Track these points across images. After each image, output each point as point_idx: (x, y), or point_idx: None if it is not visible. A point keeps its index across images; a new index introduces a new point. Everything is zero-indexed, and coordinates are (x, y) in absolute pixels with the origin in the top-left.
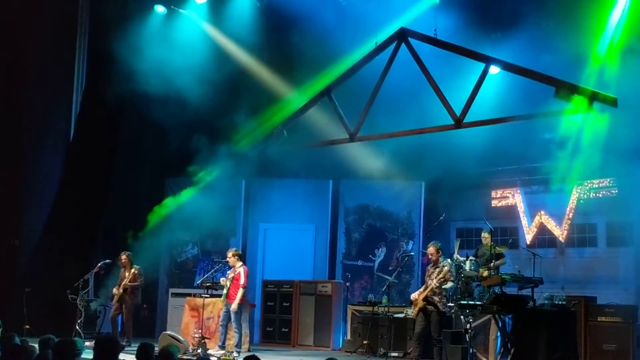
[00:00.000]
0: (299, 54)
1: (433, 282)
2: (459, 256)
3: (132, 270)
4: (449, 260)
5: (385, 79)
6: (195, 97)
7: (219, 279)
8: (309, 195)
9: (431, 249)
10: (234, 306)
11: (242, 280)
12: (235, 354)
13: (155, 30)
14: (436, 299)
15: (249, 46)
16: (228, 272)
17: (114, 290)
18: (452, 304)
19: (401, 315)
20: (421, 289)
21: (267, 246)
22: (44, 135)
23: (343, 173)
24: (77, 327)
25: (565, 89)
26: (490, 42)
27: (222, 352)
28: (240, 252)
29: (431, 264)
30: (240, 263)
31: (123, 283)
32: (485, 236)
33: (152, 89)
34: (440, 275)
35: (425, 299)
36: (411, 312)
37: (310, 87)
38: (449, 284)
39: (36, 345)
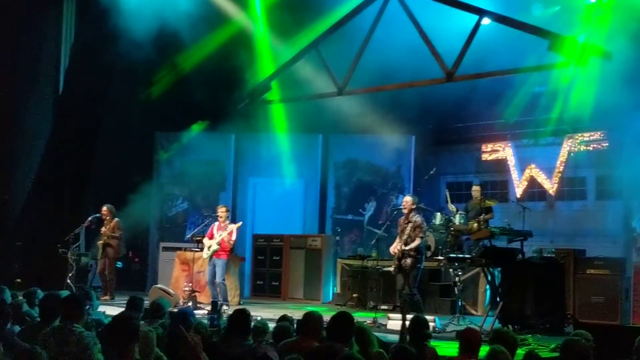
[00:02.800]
0: (287, 6)
1: (398, 248)
2: (453, 207)
3: (112, 223)
4: (419, 215)
5: (374, 32)
6: (185, 49)
7: (205, 234)
8: (299, 150)
9: (407, 198)
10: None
11: (234, 237)
12: (225, 307)
13: None
14: (412, 253)
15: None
16: (215, 228)
17: (98, 244)
18: (442, 257)
19: (390, 269)
20: (397, 241)
21: (257, 200)
22: (32, 89)
23: (333, 127)
24: (69, 281)
25: (558, 41)
26: None
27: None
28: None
29: (403, 217)
30: (229, 221)
31: (107, 234)
32: (476, 189)
33: (142, 41)
34: (405, 237)
35: (401, 255)
36: (392, 269)
37: (298, 40)
38: (416, 242)
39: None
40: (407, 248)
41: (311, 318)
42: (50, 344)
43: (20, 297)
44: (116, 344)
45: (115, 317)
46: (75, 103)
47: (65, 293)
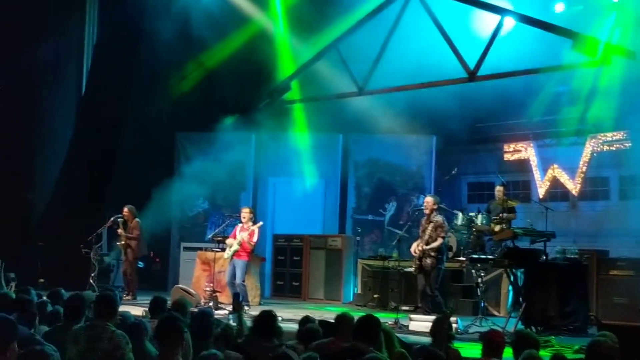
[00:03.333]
0: (307, 6)
1: (419, 248)
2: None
3: (132, 223)
4: (441, 216)
5: (395, 31)
6: (206, 50)
7: (229, 235)
8: (319, 150)
9: (429, 199)
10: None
11: (255, 237)
12: (246, 308)
13: None
14: (432, 254)
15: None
16: (238, 229)
17: (118, 245)
18: (463, 258)
19: (412, 270)
20: (418, 241)
21: (277, 200)
22: (55, 89)
23: (353, 127)
24: (91, 281)
25: (581, 41)
26: None
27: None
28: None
29: (425, 217)
30: (252, 222)
31: (123, 236)
32: (499, 190)
33: (164, 42)
34: (426, 237)
35: (422, 255)
36: (413, 269)
37: (318, 40)
38: (438, 242)
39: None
40: (428, 247)
41: (344, 319)
42: (81, 340)
43: (45, 298)
44: (162, 345)
45: (161, 319)
46: (98, 103)
47: (89, 294)
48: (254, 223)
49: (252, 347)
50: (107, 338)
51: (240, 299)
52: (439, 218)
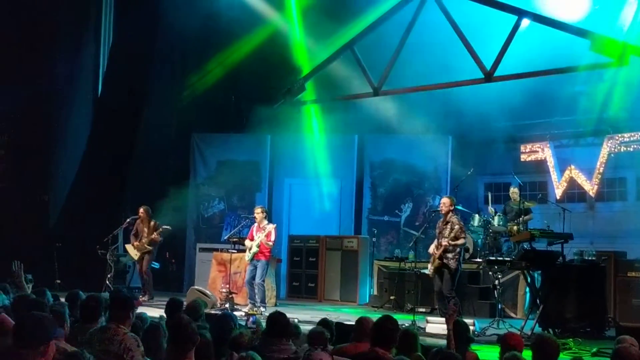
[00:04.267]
0: (323, 7)
1: (445, 242)
2: (492, 209)
3: (151, 225)
4: (458, 216)
5: (411, 32)
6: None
7: (246, 236)
8: (335, 150)
9: (445, 200)
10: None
11: (272, 237)
12: (262, 309)
13: None
14: (449, 255)
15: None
16: (254, 230)
17: (134, 244)
18: (480, 260)
19: (427, 271)
20: (436, 243)
21: (293, 201)
22: (72, 91)
23: (369, 128)
24: (107, 282)
25: (599, 41)
26: None
27: (250, 306)
28: (267, 210)
29: (441, 219)
30: (267, 221)
31: (145, 237)
32: (514, 191)
33: (178, 43)
34: (452, 235)
35: (439, 257)
36: (428, 270)
37: (334, 40)
38: (460, 241)
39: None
40: (454, 243)
41: (365, 323)
42: (94, 342)
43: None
44: (175, 349)
45: (173, 322)
46: (113, 105)
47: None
48: (269, 221)
49: (268, 350)
50: (118, 340)
51: (259, 299)
52: (456, 219)
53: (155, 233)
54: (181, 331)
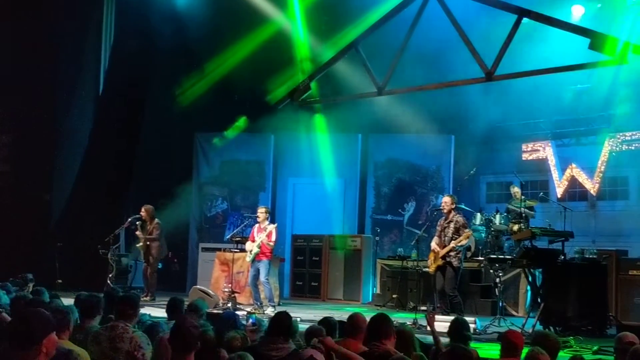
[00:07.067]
0: (326, 6)
1: (452, 244)
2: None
3: (152, 224)
4: (460, 215)
5: (414, 31)
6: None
7: (248, 236)
8: (338, 150)
9: (447, 199)
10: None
11: (273, 237)
12: (271, 308)
13: None
14: (452, 254)
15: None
16: (255, 231)
17: (138, 247)
18: (482, 258)
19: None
20: (437, 240)
21: (297, 201)
22: (73, 91)
23: (372, 127)
24: (109, 282)
25: (598, 39)
26: None
27: (253, 306)
28: (270, 211)
29: (443, 217)
30: (268, 221)
31: (142, 238)
32: (515, 190)
33: (180, 42)
34: (461, 237)
35: (443, 256)
36: (429, 268)
37: (338, 40)
38: (465, 242)
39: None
40: (459, 245)
41: (356, 320)
42: (102, 340)
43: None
44: (178, 350)
45: (176, 325)
46: (115, 104)
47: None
48: (270, 222)
49: (269, 349)
50: (128, 338)
51: (267, 298)
52: (459, 218)
53: (152, 231)
54: (179, 334)
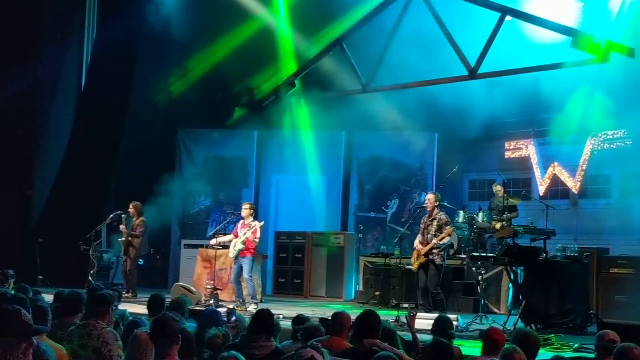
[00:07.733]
0: (310, 3)
1: (435, 240)
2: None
3: (137, 221)
4: (443, 212)
5: (398, 29)
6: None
7: (232, 232)
8: (322, 147)
9: (430, 196)
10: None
11: (258, 234)
12: (253, 305)
13: None
14: (435, 251)
15: None
16: (238, 227)
17: (120, 242)
18: (464, 255)
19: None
20: (420, 238)
21: (280, 197)
22: (55, 85)
23: (356, 125)
24: (90, 278)
25: (581, 38)
26: None
27: (236, 303)
28: (255, 207)
29: (427, 215)
30: (253, 218)
31: (125, 233)
32: (498, 188)
33: (164, 38)
34: (443, 234)
35: (425, 253)
36: (412, 265)
37: (322, 37)
38: (447, 239)
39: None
40: (441, 243)
41: (340, 318)
42: (74, 338)
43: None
44: (158, 346)
45: (155, 319)
46: (97, 99)
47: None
48: (255, 218)
49: (250, 347)
50: (96, 335)
51: (249, 295)
52: (442, 215)
53: (135, 228)
54: (160, 329)
